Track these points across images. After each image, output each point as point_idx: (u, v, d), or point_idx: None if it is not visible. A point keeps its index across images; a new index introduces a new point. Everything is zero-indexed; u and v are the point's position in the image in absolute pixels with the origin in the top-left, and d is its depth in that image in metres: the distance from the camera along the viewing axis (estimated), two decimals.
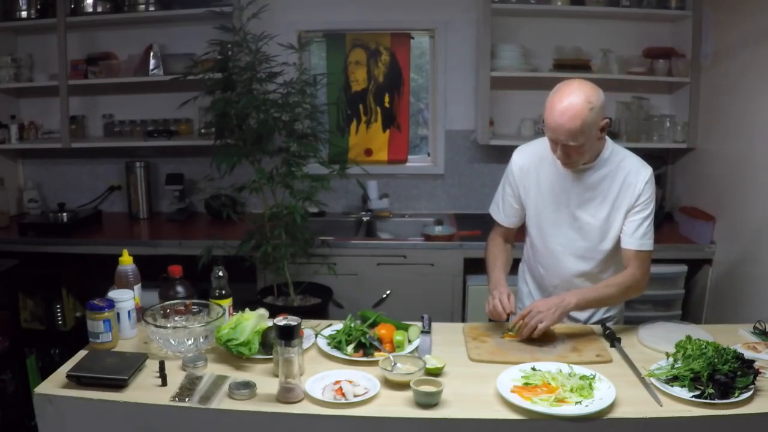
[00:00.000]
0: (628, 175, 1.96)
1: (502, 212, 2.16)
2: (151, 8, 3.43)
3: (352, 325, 1.90)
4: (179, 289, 1.96)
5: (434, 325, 2.03)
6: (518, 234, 2.23)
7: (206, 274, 2.06)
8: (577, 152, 1.88)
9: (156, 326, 1.76)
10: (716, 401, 1.52)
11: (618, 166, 1.98)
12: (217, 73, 2.94)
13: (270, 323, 1.80)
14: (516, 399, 1.53)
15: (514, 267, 2.24)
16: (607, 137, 1.98)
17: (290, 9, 3.49)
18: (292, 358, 1.55)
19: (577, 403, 1.52)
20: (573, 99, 1.82)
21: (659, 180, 3.47)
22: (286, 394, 1.56)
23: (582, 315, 2.14)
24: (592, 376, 1.62)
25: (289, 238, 2.92)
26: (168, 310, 1.87)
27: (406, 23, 3.60)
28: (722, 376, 1.55)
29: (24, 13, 3.48)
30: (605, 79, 3.42)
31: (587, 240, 2.03)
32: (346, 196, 3.74)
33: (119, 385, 1.60)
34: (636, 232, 1.97)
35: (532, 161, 2.06)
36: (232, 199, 3.38)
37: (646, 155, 3.34)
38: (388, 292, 3.17)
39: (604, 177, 1.98)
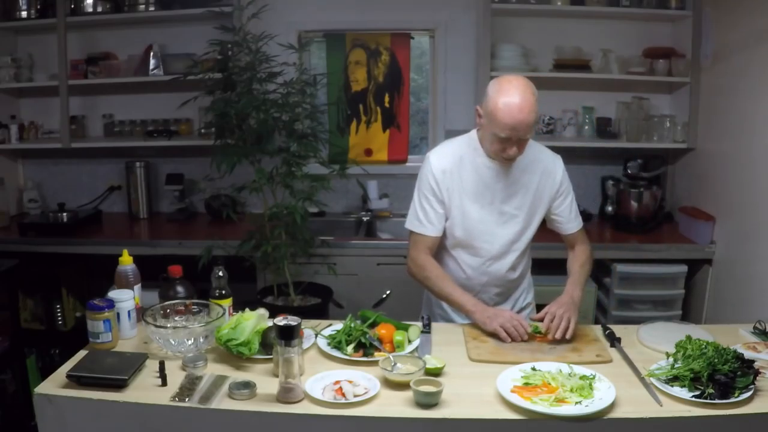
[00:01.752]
0: (547, 165, 2.06)
1: (428, 222, 2.06)
2: (151, 8, 3.44)
3: (352, 325, 1.90)
4: (179, 289, 1.96)
5: (434, 325, 2.03)
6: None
7: (206, 274, 2.06)
8: (525, 145, 1.94)
9: (156, 326, 1.76)
10: (716, 401, 1.52)
11: (535, 157, 2.05)
12: (217, 73, 2.94)
13: (270, 323, 1.80)
14: (516, 399, 1.53)
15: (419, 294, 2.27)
16: None
17: (290, 9, 3.49)
18: (292, 358, 1.55)
19: (577, 403, 1.52)
20: (524, 93, 1.85)
21: (659, 180, 3.48)
22: (286, 394, 1.56)
23: (507, 306, 2.19)
24: (592, 376, 1.62)
25: (289, 238, 2.92)
26: (168, 310, 1.87)
27: (406, 23, 3.60)
28: (722, 376, 1.55)
29: (24, 13, 3.48)
30: (605, 79, 3.44)
31: (513, 232, 2.08)
32: (346, 196, 3.74)
33: (119, 385, 1.60)
34: (571, 215, 2.12)
35: (452, 163, 2.05)
36: (232, 199, 3.39)
37: (646, 155, 3.41)
38: (388, 292, 3.17)
39: (525, 169, 2.04)
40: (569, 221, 2.13)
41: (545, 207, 2.09)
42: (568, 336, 1.89)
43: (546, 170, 2.06)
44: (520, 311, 2.22)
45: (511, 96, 1.85)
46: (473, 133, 2.08)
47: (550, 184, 2.07)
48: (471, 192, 2.04)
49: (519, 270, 2.16)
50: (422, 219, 2.08)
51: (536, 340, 1.92)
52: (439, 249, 2.15)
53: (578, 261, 2.13)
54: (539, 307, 2.07)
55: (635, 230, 3.32)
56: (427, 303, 2.29)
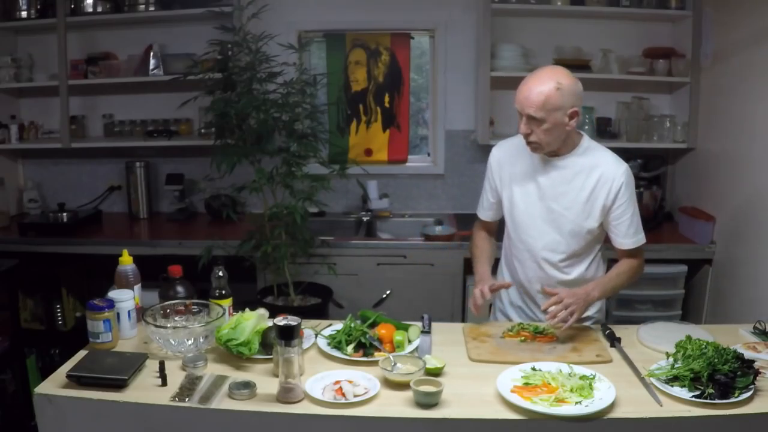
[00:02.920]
0: (605, 171, 2.00)
1: (481, 206, 2.24)
2: (151, 8, 3.43)
3: (352, 325, 1.90)
4: (179, 289, 1.96)
5: (434, 325, 2.03)
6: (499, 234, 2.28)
7: (206, 274, 2.06)
8: (540, 130, 1.91)
9: (156, 326, 1.76)
10: (716, 401, 1.52)
11: (594, 161, 2.02)
12: (217, 73, 2.94)
13: (270, 323, 1.80)
14: (516, 399, 1.53)
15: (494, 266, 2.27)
16: (585, 135, 2.05)
17: (290, 9, 3.49)
18: (292, 358, 1.55)
19: (577, 403, 1.52)
20: (544, 76, 1.91)
21: (659, 180, 3.48)
22: (286, 394, 1.56)
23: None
24: (592, 376, 1.62)
25: (289, 238, 2.92)
26: (168, 310, 1.87)
27: (406, 23, 3.60)
28: (722, 376, 1.55)
29: (24, 13, 3.48)
30: (605, 79, 3.43)
31: (559, 232, 2.05)
32: (346, 196, 3.73)
33: (119, 385, 1.60)
34: (629, 231, 2.03)
35: (509, 154, 2.13)
36: (232, 199, 3.39)
37: (646, 155, 3.41)
38: (388, 292, 3.17)
39: (580, 171, 2.01)
40: (621, 236, 2.04)
41: (600, 214, 2.01)
42: (562, 328, 1.87)
43: (604, 176, 1.98)
44: (579, 322, 2.05)
45: (530, 75, 1.94)
46: None
47: (605, 192, 1.99)
48: (520, 183, 2.08)
49: (573, 274, 2.08)
50: (481, 202, 2.25)
51: (536, 340, 1.92)
52: (506, 237, 2.21)
53: (618, 268, 2.07)
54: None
55: None
56: (500, 274, 2.27)
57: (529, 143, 1.97)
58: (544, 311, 1.90)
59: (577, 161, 2.01)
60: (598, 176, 1.99)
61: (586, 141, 2.04)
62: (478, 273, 2.14)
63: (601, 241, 2.12)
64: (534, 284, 2.12)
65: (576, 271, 2.10)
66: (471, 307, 2.02)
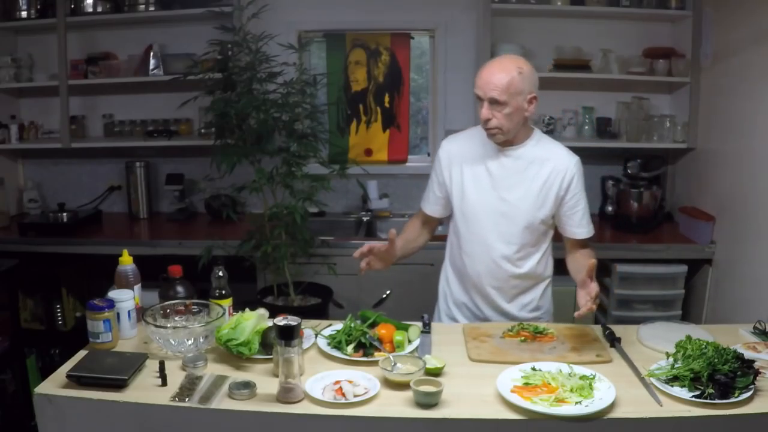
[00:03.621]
0: (558, 163, 2.04)
1: (426, 200, 2.24)
2: (151, 8, 3.44)
3: (352, 325, 1.90)
4: (179, 289, 1.96)
5: (434, 325, 2.03)
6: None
7: (206, 274, 2.06)
8: (500, 112, 1.93)
9: (156, 326, 1.76)
10: (716, 401, 1.52)
11: (547, 153, 2.06)
12: (217, 73, 2.94)
13: (270, 323, 1.80)
14: (516, 399, 1.53)
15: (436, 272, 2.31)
16: (536, 128, 2.09)
17: (290, 9, 3.49)
18: (292, 358, 1.55)
19: (577, 403, 1.52)
20: (505, 61, 1.96)
21: (659, 180, 3.48)
22: (286, 394, 1.56)
23: (513, 308, 2.16)
24: (592, 376, 1.62)
25: (289, 238, 2.92)
26: (168, 310, 1.87)
27: (406, 23, 3.60)
28: (722, 376, 1.55)
29: (24, 13, 3.48)
30: (605, 79, 3.44)
31: (513, 223, 2.06)
32: (346, 196, 3.73)
33: (119, 385, 1.60)
34: (582, 221, 2.10)
35: (459, 147, 2.14)
36: (232, 199, 3.39)
37: (646, 155, 3.41)
38: (388, 292, 3.17)
39: (533, 161, 2.04)
40: (579, 226, 2.10)
41: (553, 205, 2.06)
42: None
43: (557, 168, 2.03)
44: (528, 321, 2.13)
45: (491, 61, 1.99)
46: None
47: (557, 183, 2.04)
48: (472, 175, 2.08)
49: (524, 268, 2.11)
50: (426, 196, 2.25)
51: (536, 340, 1.92)
52: (450, 236, 2.22)
53: (589, 255, 2.06)
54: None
55: (635, 230, 3.32)
56: (444, 275, 2.29)
57: (489, 129, 1.98)
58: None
59: (531, 152, 2.05)
60: (551, 167, 2.04)
61: (538, 133, 2.09)
62: (404, 230, 2.24)
63: (551, 235, 2.15)
64: (484, 279, 2.12)
65: (528, 265, 2.12)
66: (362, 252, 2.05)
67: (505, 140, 2.02)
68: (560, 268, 2.22)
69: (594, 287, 1.84)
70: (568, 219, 2.09)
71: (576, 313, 1.84)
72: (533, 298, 2.18)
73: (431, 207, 2.22)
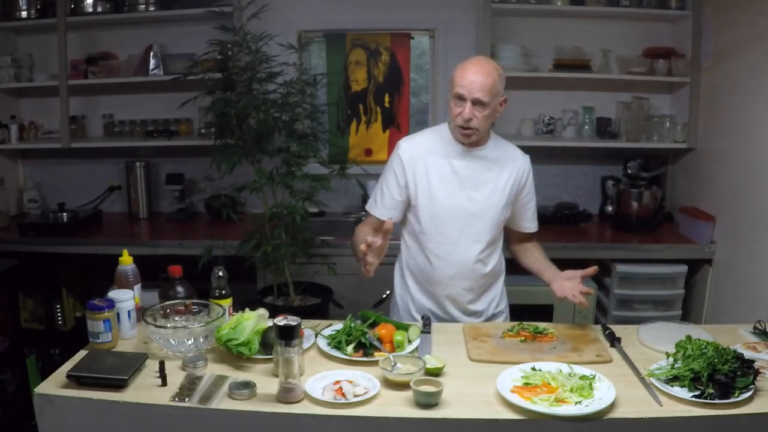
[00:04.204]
0: (516, 162, 2.13)
1: (381, 205, 2.14)
2: (151, 8, 3.43)
3: (352, 325, 1.90)
4: (179, 289, 1.96)
5: (434, 325, 2.04)
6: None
7: (206, 274, 2.06)
8: (480, 116, 1.97)
9: (156, 326, 1.76)
10: (716, 401, 1.52)
11: (506, 153, 2.14)
12: (217, 73, 2.94)
13: (270, 323, 1.80)
14: (516, 399, 1.53)
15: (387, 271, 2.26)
16: (490, 131, 2.13)
17: (290, 9, 3.49)
18: (292, 358, 1.55)
19: (577, 403, 1.52)
20: (485, 63, 1.99)
21: (659, 180, 3.48)
22: (286, 394, 1.56)
23: (479, 307, 2.19)
24: (592, 376, 1.62)
25: (289, 238, 2.92)
26: (168, 310, 1.87)
27: (406, 23, 3.60)
28: (722, 376, 1.55)
29: (24, 13, 3.48)
30: (605, 79, 3.44)
31: (482, 222, 2.09)
32: (346, 196, 3.74)
33: (119, 385, 1.60)
34: (533, 216, 2.23)
35: (421, 150, 2.11)
36: (232, 199, 3.38)
37: (646, 155, 3.41)
38: (388, 292, 3.16)
39: (496, 161, 2.10)
40: (531, 220, 2.23)
41: (512, 203, 2.14)
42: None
43: (515, 167, 2.12)
44: (492, 317, 2.22)
45: (471, 60, 2.00)
46: (443, 125, 2.14)
47: (517, 182, 2.12)
48: (439, 177, 2.08)
49: (490, 265, 2.15)
50: (378, 200, 2.16)
51: (536, 340, 1.92)
52: (408, 240, 2.19)
53: (539, 251, 2.22)
54: (513, 312, 2.24)
55: (635, 230, 3.32)
56: (400, 282, 2.28)
57: (467, 128, 1.99)
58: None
59: (492, 152, 2.10)
60: (512, 166, 2.11)
61: (494, 135, 2.15)
62: (359, 235, 2.08)
63: (502, 231, 2.21)
64: (455, 281, 2.11)
65: (492, 262, 2.16)
66: (363, 269, 1.94)
67: (474, 140, 2.05)
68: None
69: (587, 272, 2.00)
70: (521, 214, 2.20)
71: (579, 301, 2.00)
72: (496, 293, 2.24)
73: (388, 212, 2.11)
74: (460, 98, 1.96)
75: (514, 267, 2.34)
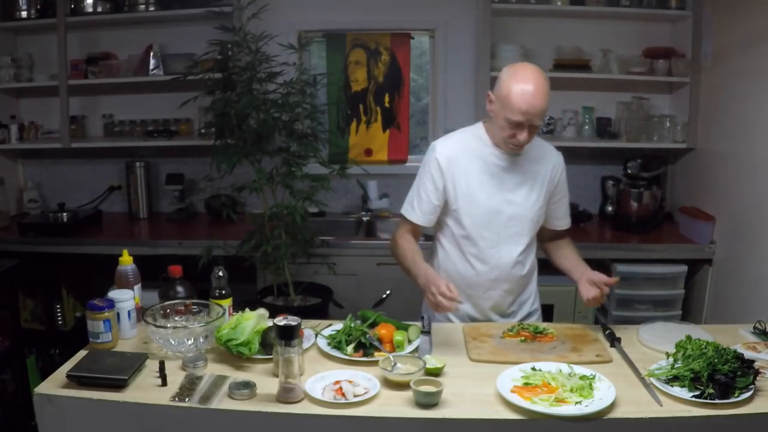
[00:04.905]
0: (551, 160, 2.10)
1: (419, 210, 2.09)
2: (151, 8, 3.44)
3: (352, 325, 1.90)
4: (179, 289, 1.96)
5: (434, 325, 2.03)
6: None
7: (206, 274, 2.06)
8: (533, 135, 1.95)
9: (156, 326, 1.76)
10: (716, 401, 1.52)
11: (540, 151, 2.10)
12: (217, 73, 2.94)
13: (270, 323, 1.80)
14: (516, 399, 1.53)
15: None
16: None
17: (290, 9, 3.49)
18: (292, 358, 1.55)
19: (577, 403, 1.52)
20: (538, 79, 1.88)
21: (659, 180, 3.48)
22: (286, 394, 1.56)
23: (516, 308, 2.17)
24: (592, 376, 1.62)
25: (289, 238, 2.92)
26: (168, 310, 1.87)
27: (406, 23, 3.60)
28: (722, 376, 1.55)
29: (24, 13, 3.48)
30: (605, 79, 3.44)
31: (521, 224, 2.07)
32: (346, 196, 3.73)
33: (119, 385, 1.60)
34: (566, 212, 2.20)
35: (458, 152, 2.06)
36: (232, 199, 3.38)
37: (646, 155, 3.41)
38: (388, 292, 3.16)
39: (532, 160, 2.07)
40: (564, 217, 2.20)
41: (548, 200, 2.11)
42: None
43: (552, 164, 2.09)
44: (527, 317, 2.19)
45: (525, 81, 1.87)
46: (478, 125, 2.11)
47: (554, 180, 2.10)
48: (478, 180, 2.04)
49: (527, 267, 2.13)
50: (415, 205, 2.10)
51: (536, 340, 1.92)
52: (446, 245, 2.14)
53: (570, 248, 2.20)
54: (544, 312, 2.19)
55: (635, 230, 3.32)
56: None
57: (516, 146, 1.97)
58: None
59: (529, 151, 2.05)
60: (547, 164, 2.09)
61: None
62: (424, 273, 1.93)
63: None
64: (497, 283, 2.09)
65: (528, 263, 2.14)
66: (442, 303, 1.82)
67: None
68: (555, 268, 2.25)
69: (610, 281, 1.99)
70: (555, 212, 2.16)
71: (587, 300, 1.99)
72: (531, 293, 2.22)
73: (428, 217, 2.09)
74: (516, 123, 1.89)
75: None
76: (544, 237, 2.23)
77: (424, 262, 2.01)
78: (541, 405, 1.51)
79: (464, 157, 2.06)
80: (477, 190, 2.05)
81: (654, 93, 3.53)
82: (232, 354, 1.75)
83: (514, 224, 2.06)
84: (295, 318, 1.59)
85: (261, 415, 1.53)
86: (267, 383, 1.62)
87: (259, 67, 2.90)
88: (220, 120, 2.89)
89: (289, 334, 1.55)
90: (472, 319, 2.17)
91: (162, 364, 1.65)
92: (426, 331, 1.96)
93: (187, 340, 1.77)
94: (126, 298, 1.88)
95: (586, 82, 3.51)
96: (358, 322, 1.94)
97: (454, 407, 1.54)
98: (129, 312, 1.89)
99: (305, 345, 1.82)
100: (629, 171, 3.41)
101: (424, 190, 2.08)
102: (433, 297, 1.83)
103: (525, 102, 1.85)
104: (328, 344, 1.85)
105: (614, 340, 1.90)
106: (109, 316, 1.81)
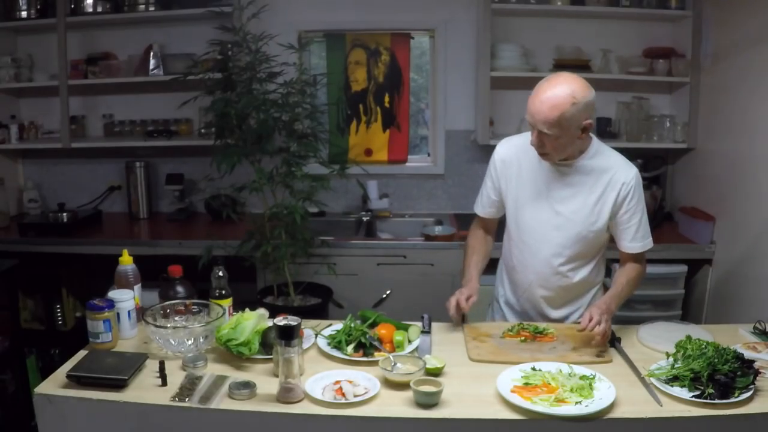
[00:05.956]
0: (615, 175, 1.96)
1: (480, 203, 2.19)
2: (151, 8, 3.43)
3: (352, 325, 1.90)
4: (179, 289, 1.96)
5: (434, 325, 2.03)
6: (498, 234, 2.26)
7: (206, 274, 2.06)
8: (551, 144, 1.87)
9: (156, 326, 1.76)
10: (716, 401, 1.52)
11: (604, 164, 1.98)
12: (217, 73, 2.94)
13: (270, 323, 1.80)
14: (516, 399, 1.53)
15: (492, 267, 2.27)
16: (594, 137, 2.00)
17: (290, 9, 3.49)
18: (292, 358, 1.55)
19: (577, 403, 1.52)
20: (559, 89, 1.82)
21: (659, 180, 3.48)
22: (286, 394, 1.56)
23: (559, 314, 2.14)
24: (592, 376, 1.62)
25: (289, 238, 2.92)
26: (168, 310, 1.87)
27: (406, 23, 3.60)
28: (722, 376, 1.55)
29: (24, 13, 3.48)
30: (605, 79, 3.43)
31: (566, 236, 2.01)
32: (346, 196, 3.74)
33: (119, 385, 1.60)
34: (637, 235, 2.00)
35: (515, 153, 2.06)
36: (232, 199, 3.38)
37: (646, 155, 3.41)
38: (388, 292, 3.17)
39: (589, 174, 1.97)
40: (629, 240, 2.00)
41: (609, 217, 1.98)
42: (600, 341, 1.82)
43: (614, 180, 1.96)
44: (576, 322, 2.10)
45: (546, 85, 1.85)
46: None
47: (613, 196, 1.96)
48: (527, 185, 2.04)
49: (576, 278, 2.06)
50: (479, 199, 2.20)
51: (536, 340, 1.92)
52: (505, 238, 2.20)
53: (626, 275, 2.02)
54: None
55: None
56: (499, 276, 2.29)
57: (540, 153, 1.94)
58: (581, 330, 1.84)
59: (587, 164, 1.97)
60: (608, 179, 1.96)
61: (596, 144, 2.00)
62: (466, 276, 2.11)
63: (606, 244, 2.09)
64: (534, 287, 2.09)
65: (579, 275, 2.07)
66: (449, 309, 2.01)
67: (553, 161, 1.96)
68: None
69: (596, 330, 1.80)
70: (621, 233, 2.01)
71: (577, 328, 1.86)
72: (582, 304, 2.13)
73: (487, 210, 2.18)
74: (533, 127, 1.88)
75: None
76: (621, 257, 2.09)
77: (474, 265, 2.13)
78: (541, 405, 1.51)
79: (520, 160, 2.05)
80: (525, 195, 2.04)
81: (654, 93, 3.53)
82: (232, 354, 1.75)
83: (557, 235, 2.01)
84: (295, 318, 1.59)
85: (261, 415, 1.53)
86: (267, 383, 1.62)
87: (259, 67, 2.90)
88: (220, 120, 2.89)
89: (289, 334, 1.55)
90: (518, 314, 2.18)
91: (162, 364, 1.65)
92: (426, 331, 1.96)
93: (187, 340, 1.77)
94: (126, 298, 1.88)
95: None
96: (358, 322, 1.94)
97: (454, 407, 1.54)
98: (129, 312, 1.89)
99: (305, 345, 1.82)
100: None
101: (485, 186, 2.17)
102: (452, 298, 2.00)
103: (533, 104, 1.85)
104: (328, 344, 1.85)
105: (614, 340, 1.90)
106: (109, 316, 1.81)
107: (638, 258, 2.05)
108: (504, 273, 2.24)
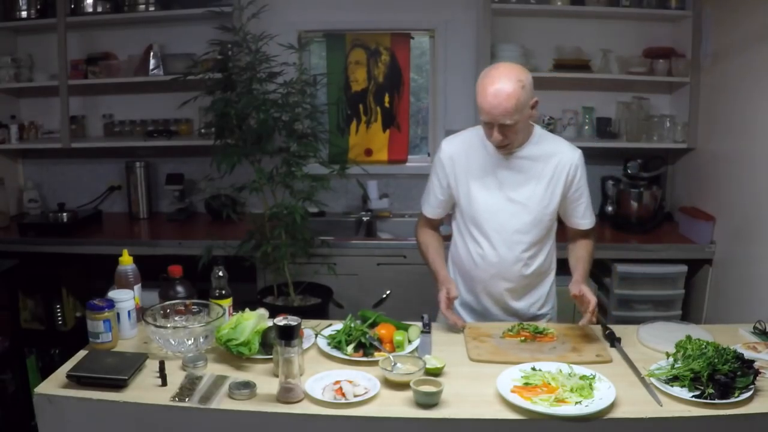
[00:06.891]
0: (562, 158, 2.04)
1: (426, 203, 2.22)
2: (151, 8, 3.44)
3: (352, 325, 1.90)
4: (179, 289, 1.96)
5: (434, 325, 2.04)
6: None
7: (206, 274, 2.06)
8: (512, 132, 1.92)
9: (156, 326, 1.76)
10: (716, 401, 1.52)
11: (550, 149, 2.05)
12: (217, 73, 2.94)
13: (270, 323, 1.80)
14: (516, 399, 1.53)
15: None
16: (535, 125, 2.06)
17: (290, 9, 3.49)
18: (292, 358, 1.55)
19: (577, 403, 1.52)
20: (504, 80, 1.86)
21: (659, 180, 3.48)
22: (286, 394, 1.56)
23: (520, 306, 2.16)
24: (592, 376, 1.62)
25: (289, 238, 2.92)
26: (168, 310, 1.87)
27: (406, 23, 3.60)
28: (722, 376, 1.55)
29: (24, 13, 3.48)
30: (605, 79, 3.44)
31: (522, 222, 2.05)
32: (346, 196, 3.74)
33: (119, 385, 1.60)
34: (586, 212, 2.14)
35: (462, 149, 2.10)
36: (232, 199, 3.38)
37: (646, 155, 3.41)
38: (388, 292, 3.17)
39: (537, 159, 2.03)
40: (580, 218, 2.13)
41: (558, 200, 2.06)
42: (593, 314, 1.90)
43: (561, 162, 2.04)
44: (534, 318, 2.16)
45: (491, 80, 1.87)
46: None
47: (563, 179, 2.04)
48: (477, 177, 2.06)
49: (533, 266, 2.10)
50: (425, 198, 2.23)
51: (536, 340, 1.92)
52: (455, 235, 2.21)
53: (583, 250, 2.14)
54: None
55: (635, 230, 3.32)
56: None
57: (500, 147, 1.98)
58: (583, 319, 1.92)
59: (534, 150, 2.03)
60: (557, 162, 2.04)
61: (538, 130, 2.07)
62: (435, 272, 2.15)
63: (555, 230, 2.15)
64: (496, 280, 2.11)
65: (536, 262, 2.11)
66: (446, 316, 2.02)
67: (514, 149, 2.02)
68: (563, 268, 2.22)
69: (592, 301, 1.89)
70: (573, 210, 2.12)
71: (580, 323, 1.92)
72: (541, 294, 2.19)
73: (435, 210, 2.21)
74: (488, 124, 1.92)
75: None
76: (569, 235, 2.21)
77: (440, 258, 2.19)
78: (541, 405, 1.51)
79: (467, 155, 2.08)
80: (477, 188, 2.07)
81: (654, 93, 3.53)
82: (232, 354, 1.75)
83: (515, 223, 2.05)
84: (295, 318, 1.59)
85: (261, 415, 1.53)
86: (267, 383, 1.62)
87: (259, 67, 2.90)
88: (220, 120, 2.89)
89: (289, 334, 1.55)
90: (476, 313, 2.18)
91: (162, 364, 1.65)
92: (426, 331, 1.96)
93: (187, 340, 1.77)
94: (126, 298, 1.88)
95: (586, 82, 3.51)
96: (358, 322, 1.94)
97: (454, 407, 1.54)
98: (129, 312, 1.89)
99: (305, 345, 1.82)
100: (629, 171, 3.41)
101: (431, 185, 2.19)
102: (442, 305, 2.02)
103: (487, 102, 1.87)
104: (328, 344, 1.85)
105: (614, 340, 1.90)
106: (109, 316, 1.81)
107: (588, 234, 2.18)
108: (456, 275, 2.23)
